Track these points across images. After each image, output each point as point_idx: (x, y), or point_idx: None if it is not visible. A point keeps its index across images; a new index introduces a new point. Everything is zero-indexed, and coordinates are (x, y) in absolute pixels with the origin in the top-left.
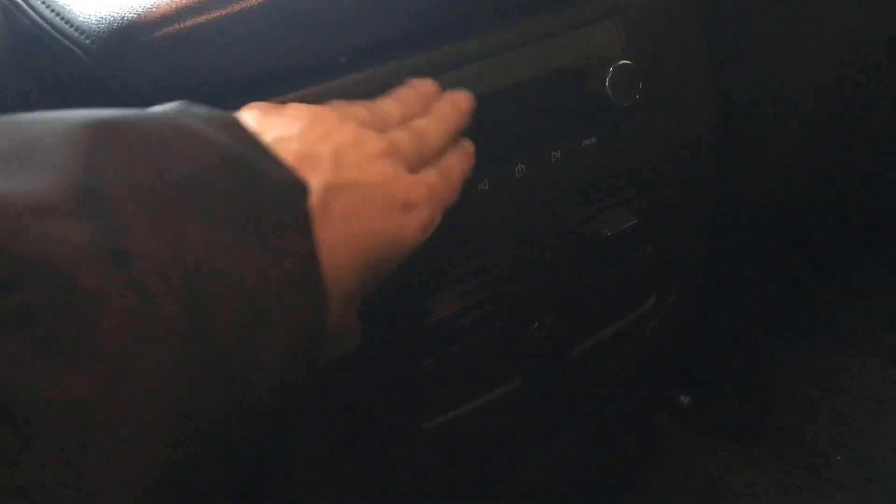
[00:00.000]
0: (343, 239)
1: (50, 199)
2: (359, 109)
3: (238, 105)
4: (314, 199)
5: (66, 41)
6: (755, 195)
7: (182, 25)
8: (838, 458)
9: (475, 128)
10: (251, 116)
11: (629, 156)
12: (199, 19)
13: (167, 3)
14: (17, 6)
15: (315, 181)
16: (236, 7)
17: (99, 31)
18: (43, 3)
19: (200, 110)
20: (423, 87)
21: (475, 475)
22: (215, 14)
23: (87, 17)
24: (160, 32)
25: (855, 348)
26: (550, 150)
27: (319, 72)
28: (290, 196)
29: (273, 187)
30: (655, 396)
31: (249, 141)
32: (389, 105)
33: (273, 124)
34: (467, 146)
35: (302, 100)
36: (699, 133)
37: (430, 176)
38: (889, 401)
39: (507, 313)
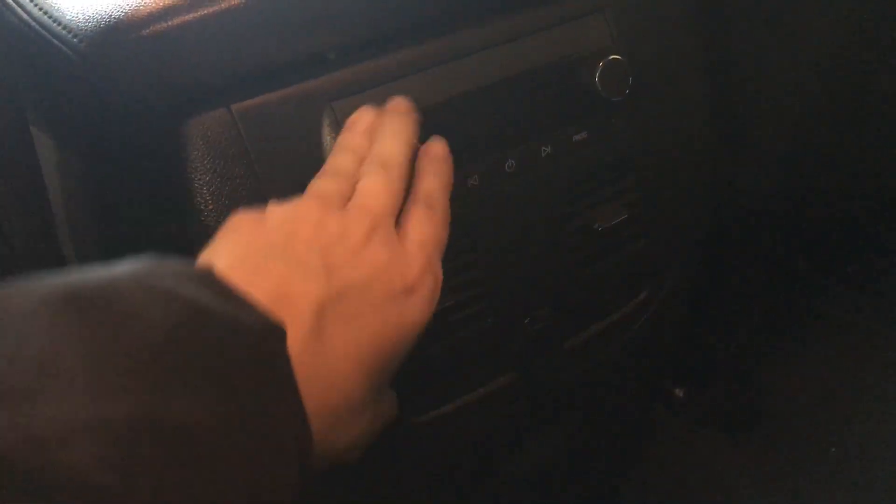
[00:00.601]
0: (344, 352)
1: (13, 381)
2: (327, 184)
3: (226, 100)
4: (307, 322)
5: (54, 39)
6: (749, 188)
7: (170, 23)
8: (832, 450)
9: (466, 123)
10: (229, 249)
11: (620, 150)
12: (187, 17)
13: (154, 2)
14: (6, 4)
15: (306, 303)
16: (224, 4)
17: (87, 30)
18: (32, 1)
19: (170, 266)
20: (361, 121)
21: (469, 469)
22: (203, 12)
23: (76, 15)
24: (148, 30)
25: (849, 340)
26: (541, 145)
27: (308, 68)
28: (267, 345)
29: (248, 339)
30: (649, 388)
31: (221, 292)
32: (343, 158)
33: (252, 252)
34: (435, 149)
35: (290, 97)
36: (691, 127)
37: (416, 227)
38: (884, 393)
39: (500, 307)
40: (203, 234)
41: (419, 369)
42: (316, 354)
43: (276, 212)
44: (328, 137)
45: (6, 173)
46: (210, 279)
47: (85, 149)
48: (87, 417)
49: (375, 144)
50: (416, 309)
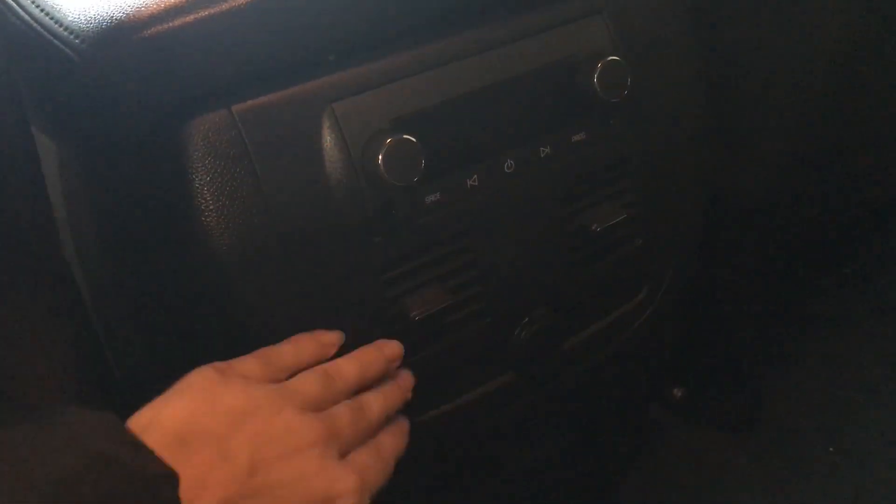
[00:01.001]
0: None
1: None
2: (312, 379)
3: (226, 101)
4: None
5: (55, 40)
6: (747, 189)
7: (171, 25)
8: (831, 449)
9: (465, 124)
10: (176, 414)
11: (618, 151)
12: (188, 18)
13: (156, 3)
14: (7, 5)
15: (217, 491)
16: (224, 6)
17: (88, 31)
18: (33, 2)
19: (79, 412)
20: (389, 350)
21: (468, 468)
22: (204, 13)
23: (77, 16)
24: (149, 31)
25: (848, 339)
26: (539, 145)
27: (308, 69)
28: (159, 488)
29: (143, 482)
30: (648, 389)
31: (127, 443)
32: (349, 367)
33: (193, 429)
34: (403, 425)
35: (291, 98)
36: (689, 127)
37: (361, 458)
38: (882, 392)
39: (498, 308)
40: (203, 234)
41: (418, 369)
42: None
43: (237, 392)
44: (328, 138)
45: (7, 173)
46: (118, 430)
47: (86, 149)
48: None
49: (369, 393)
50: None
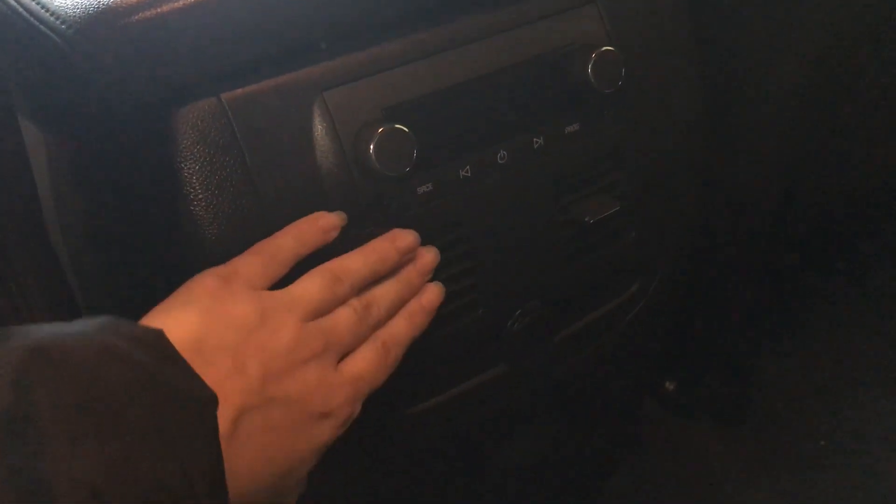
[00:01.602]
0: (252, 457)
1: None
2: (317, 283)
3: (216, 89)
4: (227, 420)
5: (41, 25)
6: (741, 182)
7: (159, 10)
8: (822, 442)
9: (458, 114)
10: (185, 323)
11: (612, 142)
12: (177, 4)
13: None
14: None
15: (228, 406)
16: None
17: (75, 17)
18: None
19: (128, 329)
20: (402, 241)
21: (460, 461)
22: None
23: (64, 1)
24: (137, 17)
25: (839, 334)
26: (533, 136)
27: (300, 57)
28: (202, 411)
29: (186, 404)
30: (641, 381)
31: (170, 358)
32: (356, 264)
33: (204, 338)
34: (429, 297)
35: (281, 87)
36: (683, 119)
37: (357, 363)
38: (873, 386)
39: (490, 300)
40: (192, 224)
41: (409, 361)
42: (229, 448)
43: (245, 302)
44: (319, 127)
45: None
46: (163, 348)
47: (73, 138)
48: (65, 474)
49: (380, 287)
50: (326, 433)
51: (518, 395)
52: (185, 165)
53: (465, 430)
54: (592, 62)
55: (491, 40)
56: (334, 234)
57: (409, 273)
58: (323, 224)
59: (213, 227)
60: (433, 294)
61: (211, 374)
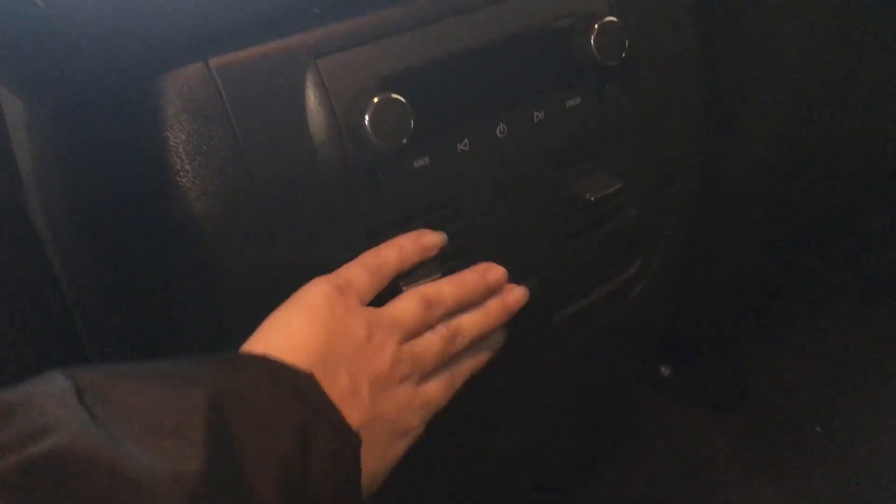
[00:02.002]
0: None
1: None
2: (413, 307)
3: (203, 54)
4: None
5: None
6: (738, 164)
7: None
8: (817, 429)
9: (456, 85)
10: (311, 340)
11: (614, 117)
12: None
13: None
14: None
15: (352, 421)
16: None
17: None
18: None
19: (287, 378)
20: (493, 275)
21: (453, 443)
22: None
23: None
24: None
25: (834, 321)
26: (533, 110)
27: (291, 22)
28: (352, 452)
29: (339, 446)
30: (637, 365)
31: (323, 410)
32: (449, 292)
33: (328, 355)
34: (491, 343)
35: (272, 53)
36: (686, 95)
37: (431, 388)
38: (868, 372)
39: None
40: (179, 197)
41: None
42: None
43: (360, 319)
44: (312, 96)
45: None
46: (312, 393)
47: (54, 107)
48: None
49: (466, 315)
50: (401, 450)
51: (513, 377)
52: (171, 134)
53: (459, 413)
54: (595, 33)
55: (492, 9)
56: (434, 252)
57: (497, 308)
58: (425, 242)
59: (200, 201)
60: (501, 337)
61: (335, 393)
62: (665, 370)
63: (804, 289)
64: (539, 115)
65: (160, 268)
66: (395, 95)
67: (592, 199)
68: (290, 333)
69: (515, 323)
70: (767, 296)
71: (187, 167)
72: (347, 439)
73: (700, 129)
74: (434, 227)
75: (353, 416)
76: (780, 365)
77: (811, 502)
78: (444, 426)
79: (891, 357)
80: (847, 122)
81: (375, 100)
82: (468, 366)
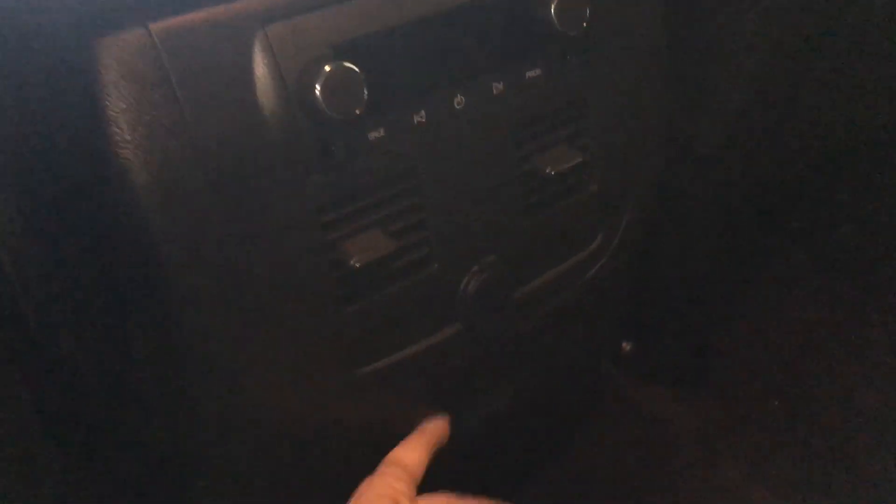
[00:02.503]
0: None
1: None
2: None
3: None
4: None
5: None
6: (702, 138)
7: None
8: (776, 403)
9: (412, 55)
10: None
11: (575, 89)
12: None
13: None
14: None
15: None
16: None
17: None
18: None
19: None
20: None
21: (413, 423)
22: None
23: None
24: None
25: (794, 296)
26: (492, 81)
27: None
28: None
29: None
30: (599, 342)
31: None
32: None
33: None
34: None
35: (218, 19)
36: (649, 66)
37: None
38: (829, 347)
39: (445, 255)
40: (120, 170)
41: (358, 320)
42: None
43: None
44: (260, 65)
45: None
46: None
47: None
48: None
49: None
50: None
51: (473, 356)
52: (110, 103)
53: (419, 392)
54: (556, 2)
55: None
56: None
57: None
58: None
59: (143, 174)
60: None
61: None
62: (626, 346)
63: (765, 265)
64: (498, 87)
65: (99, 241)
66: (347, 64)
67: (553, 173)
68: None
69: (475, 300)
70: (729, 272)
71: (128, 138)
72: None
73: (664, 103)
74: (390, 202)
75: None
76: (742, 340)
77: (771, 476)
78: (406, 410)
79: (851, 331)
80: (809, 99)
81: (327, 68)
82: None
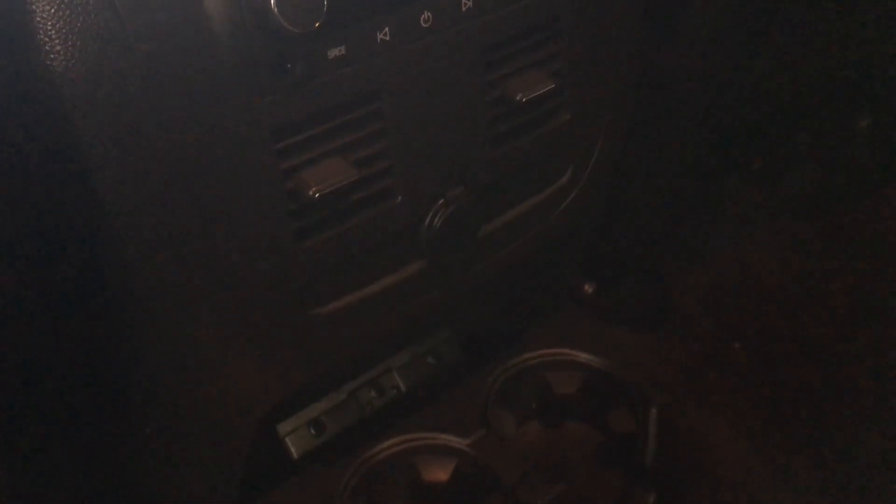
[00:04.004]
0: None
1: None
2: None
3: None
4: None
5: None
6: (673, 70)
7: None
8: (736, 345)
9: None
10: None
11: (548, 8)
12: None
13: None
14: None
15: None
16: None
17: None
18: None
19: None
20: None
21: (374, 362)
22: None
23: None
24: None
25: (756, 237)
26: None
27: None
28: None
29: None
30: (564, 281)
31: None
32: None
33: None
34: None
35: None
36: None
37: None
38: (788, 289)
39: (410, 186)
40: (50, 83)
41: (318, 255)
42: None
43: None
44: None
45: None
46: None
47: None
48: None
49: None
50: None
51: (437, 294)
52: (37, 7)
53: (378, 334)
54: None
55: None
56: None
57: None
58: None
59: (76, 88)
60: None
61: None
62: (588, 288)
63: (725, 207)
64: (467, 4)
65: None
66: None
67: (524, 100)
68: None
69: (440, 235)
70: (689, 214)
71: (58, 47)
72: None
73: (638, 30)
74: (351, 126)
75: None
76: (702, 282)
77: (733, 416)
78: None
79: (812, 272)
80: (779, 37)
81: None
82: None
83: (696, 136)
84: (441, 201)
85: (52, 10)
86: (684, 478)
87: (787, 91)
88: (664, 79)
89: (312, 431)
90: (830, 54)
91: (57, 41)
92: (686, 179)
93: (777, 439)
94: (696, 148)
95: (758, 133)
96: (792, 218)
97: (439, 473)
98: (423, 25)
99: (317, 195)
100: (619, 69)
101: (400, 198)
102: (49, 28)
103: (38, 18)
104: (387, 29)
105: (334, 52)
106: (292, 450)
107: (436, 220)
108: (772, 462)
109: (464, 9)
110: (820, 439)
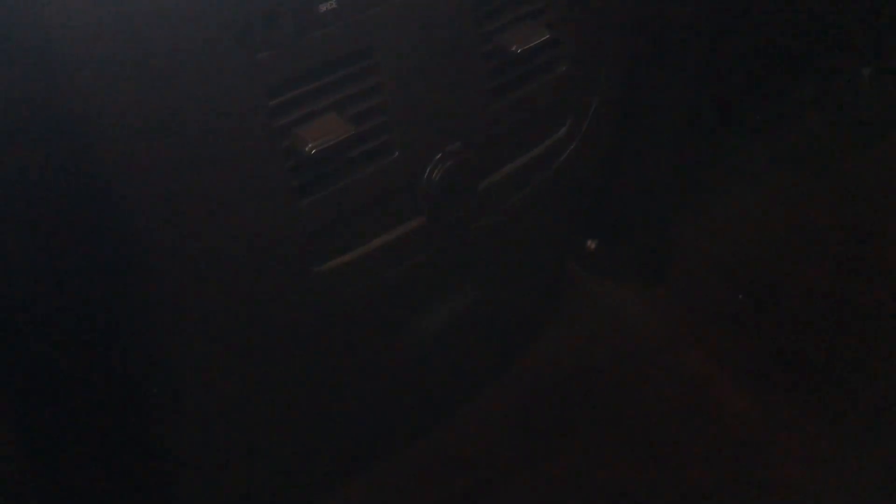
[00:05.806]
0: None
1: None
2: None
3: None
4: None
5: None
6: (672, 20)
7: None
8: (740, 296)
9: None
10: None
11: None
12: None
13: None
14: None
15: None
16: None
17: None
18: None
19: None
20: None
21: (375, 321)
22: None
23: None
24: None
25: (756, 189)
26: None
27: None
28: None
29: None
30: (564, 238)
31: None
32: None
33: None
34: None
35: None
36: None
37: None
38: (790, 240)
39: (407, 141)
40: (40, 45)
41: (314, 213)
42: None
43: None
44: None
45: None
46: None
47: None
48: None
49: None
50: None
51: (436, 251)
52: None
53: (378, 291)
54: None
55: None
56: None
57: None
58: None
59: (64, 47)
60: None
61: None
62: (591, 244)
63: (726, 160)
64: None
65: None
66: None
67: (519, 51)
68: None
69: (439, 191)
70: (691, 169)
71: None
72: None
73: None
74: (345, 82)
75: None
76: (703, 236)
77: (737, 367)
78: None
79: (812, 224)
80: None
81: None
82: None
83: (697, 87)
84: (439, 156)
85: None
86: (689, 425)
87: (787, 40)
88: (662, 27)
89: None
90: (831, 5)
91: None
92: (687, 132)
93: (782, 387)
94: (698, 99)
95: (760, 85)
96: (792, 170)
97: None
98: None
99: (313, 151)
100: (616, 18)
101: (397, 153)
102: None
103: None
104: None
105: (326, 6)
106: None
107: (434, 175)
108: (777, 409)
109: None
110: (825, 386)
